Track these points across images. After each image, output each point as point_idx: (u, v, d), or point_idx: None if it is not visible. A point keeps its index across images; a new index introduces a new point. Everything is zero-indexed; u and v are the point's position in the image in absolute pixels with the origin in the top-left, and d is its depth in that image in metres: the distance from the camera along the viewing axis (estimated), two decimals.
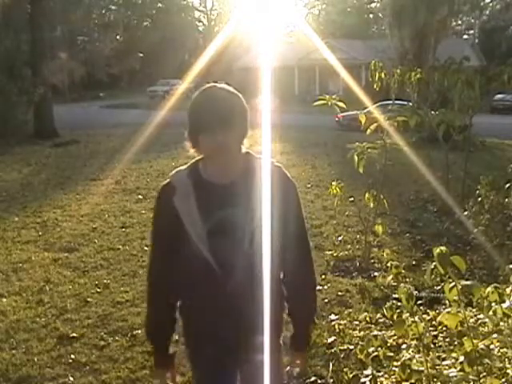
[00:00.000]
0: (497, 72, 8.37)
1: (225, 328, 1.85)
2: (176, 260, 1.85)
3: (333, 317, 4.15)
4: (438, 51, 16.79)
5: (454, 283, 1.66)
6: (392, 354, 2.37)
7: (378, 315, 3.97)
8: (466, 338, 1.86)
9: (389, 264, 2.11)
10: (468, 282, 1.68)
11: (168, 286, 1.90)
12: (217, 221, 1.76)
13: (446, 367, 2.27)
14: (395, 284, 2.16)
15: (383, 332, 3.22)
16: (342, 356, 3.55)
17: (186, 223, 1.77)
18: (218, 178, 1.79)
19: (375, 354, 2.31)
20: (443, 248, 1.63)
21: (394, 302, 2.12)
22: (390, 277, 2.09)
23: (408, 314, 2.09)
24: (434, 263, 1.65)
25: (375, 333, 2.66)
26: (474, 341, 1.86)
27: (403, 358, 2.11)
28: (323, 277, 5.20)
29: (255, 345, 1.84)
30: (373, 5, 49.92)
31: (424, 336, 2.23)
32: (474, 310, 2.90)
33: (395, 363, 2.36)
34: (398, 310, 2.08)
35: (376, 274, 5.07)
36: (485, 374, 1.98)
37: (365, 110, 5.84)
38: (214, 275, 1.77)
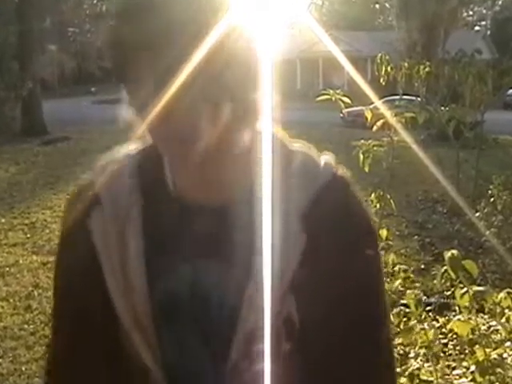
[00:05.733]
0: (510, 65, 8.37)
1: None
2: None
3: None
4: (447, 43, 16.79)
5: (465, 289, 1.65)
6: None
7: None
8: (477, 346, 1.86)
9: (396, 268, 2.11)
10: (480, 288, 1.68)
11: None
12: (178, 287, 0.83)
13: (457, 377, 2.27)
14: (402, 289, 2.16)
15: None
16: None
17: (109, 283, 0.83)
18: (199, 194, 0.84)
19: None
20: (454, 252, 1.62)
21: (402, 308, 2.12)
22: (398, 281, 2.09)
23: (416, 321, 2.08)
24: (444, 267, 1.65)
25: None
26: (486, 349, 1.86)
27: (411, 368, 2.11)
28: None
29: None
30: None
31: (433, 344, 2.23)
32: (486, 316, 2.90)
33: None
34: (405, 317, 2.08)
35: None
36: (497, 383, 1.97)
37: (371, 106, 5.82)
38: None
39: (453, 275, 1.61)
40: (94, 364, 0.86)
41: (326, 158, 0.86)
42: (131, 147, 0.90)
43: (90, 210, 0.85)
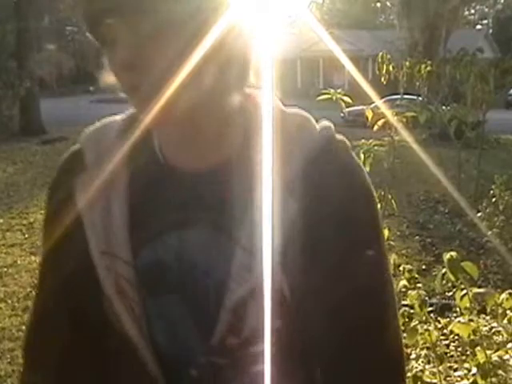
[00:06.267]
0: None
1: None
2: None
3: None
4: (449, 42, 16.77)
5: (465, 291, 1.66)
6: None
7: None
8: (478, 348, 1.86)
9: (401, 268, 2.11)
10: (481, 290, 1.68)
11: None
12: (163, 256, 0.80)
13: (458, 379, 2.27)
14: (404, 290, 2.16)
15: None
16: None
17: (93, 251, 0.80)
18: (186, 160, 0.81)
19: None
20: (454, 253, 1.62)
21: (406, 309, 2.11)
22: (403, 282, 2.08)
23: (417, 322, 2.08)
24: (444, 269, 1.65)
25: None
26: (488, 351, 1.86)
27: (414, 370, 2.11)
28: None
29: None
30: None
31: (436, 345, 2.23)
32: (488, 317, 2.90)
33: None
34: (408, 318, 2.08)
35: None
36: None
37: (372, 105, 5.82)
38: None
39: (452, 277, 1.61)
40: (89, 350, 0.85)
41: (324, 123, 0.84)
42: (119, 115, 0.88)
43: (76, 177, 0.82)
